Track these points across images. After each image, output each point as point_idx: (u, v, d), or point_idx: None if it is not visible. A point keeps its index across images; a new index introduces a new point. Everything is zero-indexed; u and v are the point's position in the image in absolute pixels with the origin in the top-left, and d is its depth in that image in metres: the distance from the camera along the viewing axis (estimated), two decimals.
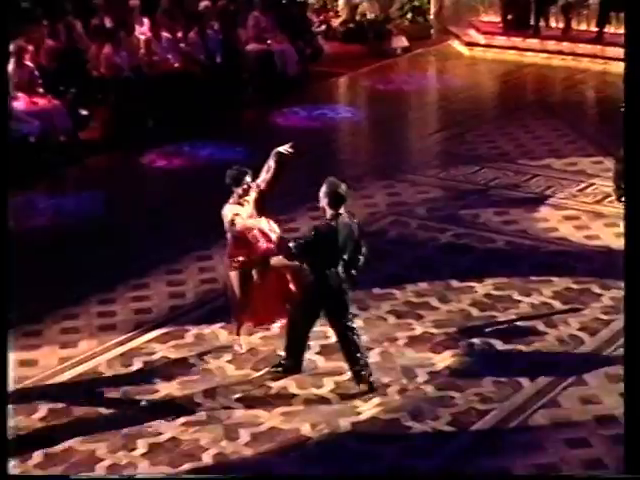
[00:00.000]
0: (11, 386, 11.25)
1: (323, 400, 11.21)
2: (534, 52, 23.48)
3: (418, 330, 12.46)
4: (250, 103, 20.46)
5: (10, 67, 17.68)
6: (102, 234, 15.20)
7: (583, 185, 16.54)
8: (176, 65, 19.90)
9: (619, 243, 13.43)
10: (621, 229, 13.74)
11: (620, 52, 22.31)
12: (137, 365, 12.00)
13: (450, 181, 16.87)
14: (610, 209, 15.53)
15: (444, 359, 11.87)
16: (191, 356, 12.09)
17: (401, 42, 23.78)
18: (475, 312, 12.86)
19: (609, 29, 23.33)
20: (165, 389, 11.51)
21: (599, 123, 19.41)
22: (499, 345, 12.12)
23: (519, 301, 13.09)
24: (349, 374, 11.36)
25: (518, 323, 12.65)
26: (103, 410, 11.19)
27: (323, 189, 11.12)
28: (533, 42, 23.66)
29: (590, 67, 22.84)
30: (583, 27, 24.01)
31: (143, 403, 11.27)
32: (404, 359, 11.86)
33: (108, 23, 20.39)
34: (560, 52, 23.23)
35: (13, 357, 11.79)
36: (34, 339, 12.51)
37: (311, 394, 11.36)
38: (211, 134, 19.06)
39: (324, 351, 11.98)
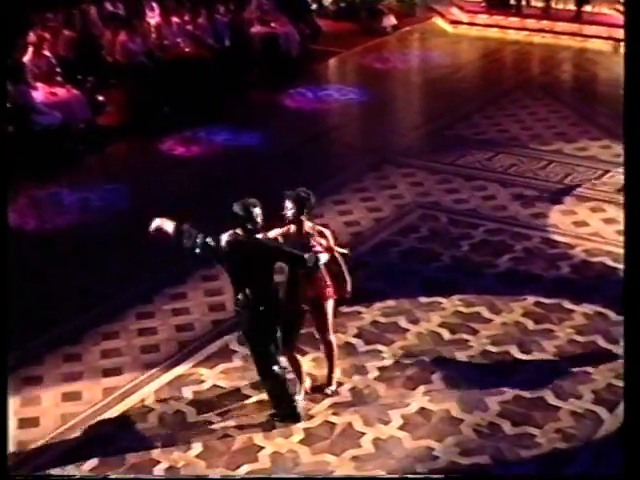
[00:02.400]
0: (56, 428, 8.66)
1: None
2: (516, 30, 20.70)
3: (475, 347, 9.90)
4: (257, 85, 17.55)
5: (28, 57, 14.74)
6: (130, 234, 12.33)
7: (599, 173, 13.89)
8: (187, 50, 16.91)
9: None
10: None
11: (598, 30, 19.84)
12: (187, 395, 9.30)
13: (468, 169, 14.13)
14: None
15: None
16: (244, 385, 9.42)
17: (391, 21, 20.93)
18: (530, 325, 10.28)
19: (587, 8, 20.64)
20: (222, 427, 8.86)
21: (596, 103, 16.66)
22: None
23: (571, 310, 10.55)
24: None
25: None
26: (159, 456, 8.53)
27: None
28: (514, 20, 20.90)
29: (571, 44, 20.11)
30: (561, 6, 21.19)
31: None
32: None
33: (120, 10, 17.42)
34: (541, 30, 20.47)
35: (55, 389, 9.18)
36: (75, 364, 9.81)
37: (380, 432, 8.77)
38: (224, 118, 16.20)
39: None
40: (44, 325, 10.41)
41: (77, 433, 8.81)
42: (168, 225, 8.66)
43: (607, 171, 13.93)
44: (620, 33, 19.55)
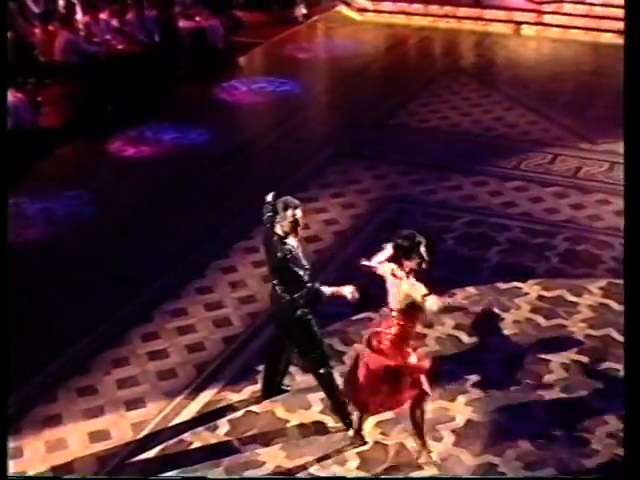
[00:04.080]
0: (95, 472, 7.31)
1: None
2: (420, 16, 19.64)
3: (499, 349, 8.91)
4: (189, 80, 16.00)
5: None
6: (100, 245, 10.90)
7: (550, 157, 13.10)
8: (120, 47, 15.26)
9: None
10: None
11: (497, 14, 19.08)
12: (223, 427, 8.01)
13: (427, 159, 13.09)
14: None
15: None
16: (279, 409, 8.21)
17: (301, 10, 19.59)
18: (542, 321, 9.38)
19: None
20: (271, 459, 7.64)
21: (520, 86, 15.80)
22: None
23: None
24: None
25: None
26: None
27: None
28: (418, 7, 19.79)
29: (474, 29, 19.20)
30: None
31: None
32: None
33: (36, 8, 15.65)
34: (445, 15, 19.50)
35: (78, 429, 7.80)
36: (92, 398, 8.37)
37: (435, 449, 7.71)
38: (166, 116, 14.69)
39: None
40: (42, 356, 8.92)
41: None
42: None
43: (557, 155, 13.15)
44: (519, 16, 18.93)
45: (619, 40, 18.04)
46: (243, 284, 10.11)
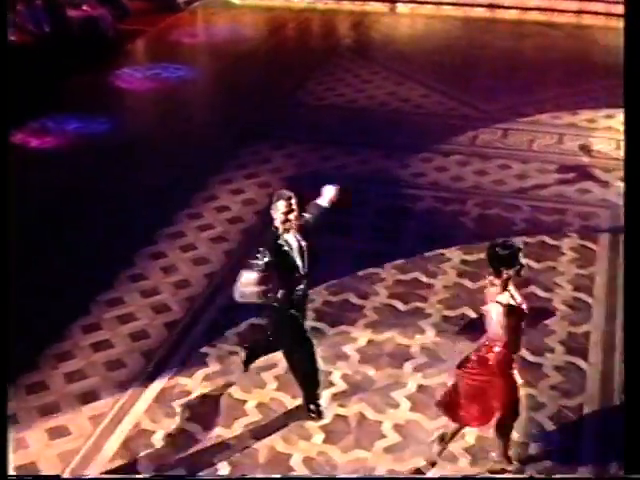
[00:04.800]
0: (62, 470, 6.87)
1: None
2: None
3: (433, 313, 8.83)
4: (82, 69, 15.22)
5: None
6: (34, 245, 10.27)
7: (447, 128, 13.10)
8: (12, 38, 14.45)
9: None
10: None
11: None
12: (183, 413, 7.67)
13: (332, 135, 12.90)
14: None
15: None
16: (234, 390, 7.91)
17: None
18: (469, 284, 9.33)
19: None
20: (236, 440, 7.35)
21: (404, 61, 15.71)
22: None
23: None
24: None
25: None
26: None
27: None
28: None
29: (352, 9, 19.04)
30: None
31: None
32: None
33: None
34: None
35: (36, 427, 7.38)
36: (44, 395, 7.87)
37: (395, 417, 7.56)
38: (64, 105, 14.00)
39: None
40: None
41: (90, 473, 7.02)
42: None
43: (453, 125, 13.16)
44: None
45: (488, 14, 18.33)
46: (175, 269, 9.72)
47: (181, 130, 13.12)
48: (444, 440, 7.10)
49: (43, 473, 7.00)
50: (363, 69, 15.43)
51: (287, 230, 7.19)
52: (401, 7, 18.79)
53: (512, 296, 6.53)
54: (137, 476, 6.91)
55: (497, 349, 6.59)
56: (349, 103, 14.05)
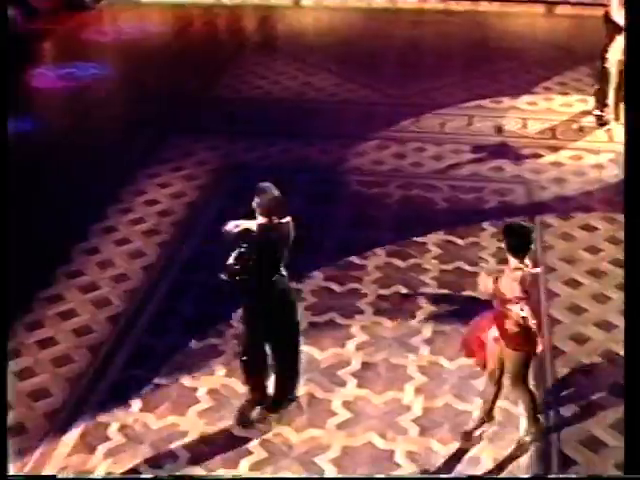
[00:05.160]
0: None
1: None
2: None
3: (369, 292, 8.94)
4: None
5: None
6: None
7: (363, 114, 13.22)
8: None
9: None
10: None
11: None
12: (136, 404, 7.62)
13: (252, 126, 12.86)
14: None
15: None
16: (186, 379, 7.87)
17: None
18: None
19: None
20: (192, 428, 7.31)
21: (315, 53, 15.74)
22: None
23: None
24: None
25: None
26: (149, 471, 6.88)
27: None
28: None
29: (257, 3, 18.84)
30: None
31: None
32: None
33: None
34: None
35: None
36: None
37: (343, 395, 7.65)
38: None
39: None
40: None
41: (49, 469, 6.91)
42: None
43: (369, 112, 13.29)
44: None
45: (390, 4, 18.49)
46: (111, 263, 9.59)
47: (101, 127, 12.90)
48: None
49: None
50: (275, 62, 15.38)
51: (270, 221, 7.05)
52: (305, 0, 18.78)
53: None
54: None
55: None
56: (266, 95, 14.03)
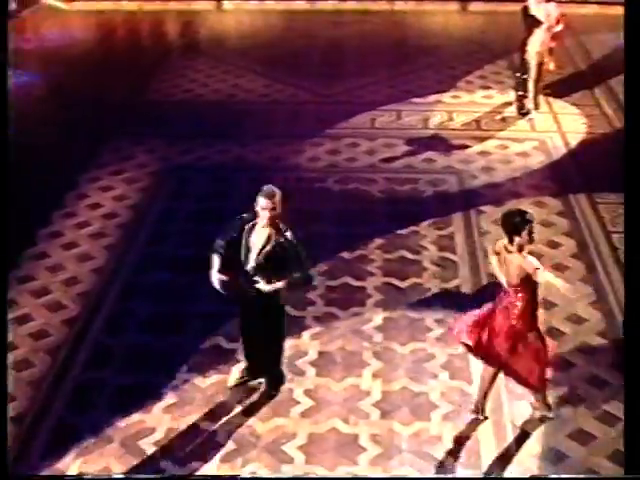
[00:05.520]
0: None
1: None
2: (126, 0, 18.85)
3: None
4: None
5: None
6: None
7: (293, 113, 13.25)
8: None
9: None
10: None
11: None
12: (102, 403, 7.49)
13: (188, 129, 12.78)
14: None
15: None
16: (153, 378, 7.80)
17: (13, 4, 18.12)
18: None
19: None
20: (158, 424, 7.24)
21: (240, 55, 15.69)
22: None
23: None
24: None
25: None
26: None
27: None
28: None
29: (180, 8, 18.72)
30: None
31: None
32: None
33: None
34: None
35: None
36: None
37: (302, 384, 7.68)
38: None
39: None
40: None
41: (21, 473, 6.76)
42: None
43: (298, 110, 13.33)
44: None
45: (308, 6, 18.55)
46: (61, 267, 9.43)
47: (36, 134, 12.64)
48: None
49: None
50: (202, 65, 15.28)
51: (266, 226, 6.94)
52: (227, 4, 18.71)
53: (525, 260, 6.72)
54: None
55: (519, 304, 6.78)
56: (196, 97, 13.94)
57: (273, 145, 12.19)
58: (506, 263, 6.84)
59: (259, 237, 6.99)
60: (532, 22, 12.23)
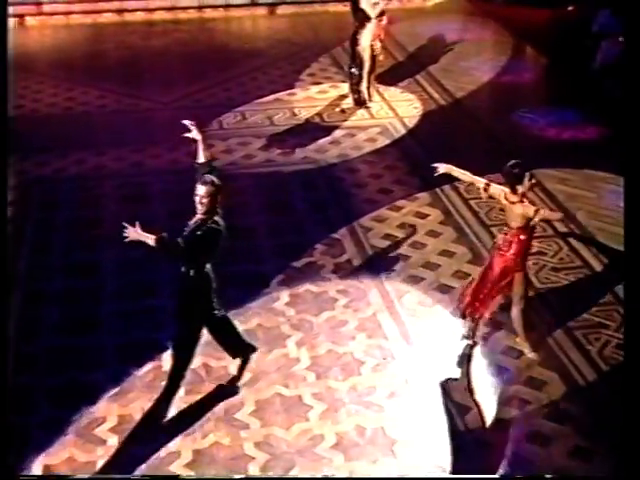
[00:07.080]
0: None
1: None
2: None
3: None
4: None
5: None
6: None
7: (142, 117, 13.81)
8: None
9: None
10: None
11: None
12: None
13: (44, 143, 12.99)
14: None
15: None
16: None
17: None
18: None
19: None
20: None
21: (64, 69, 15.92)
22: None
23: None
24: None
25: None
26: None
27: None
28: None
29: None
30: None
31: None
32: None
33: None
34: None
35: None
36: None
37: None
38: None
39: None
40: None
41: None
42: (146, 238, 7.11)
43: (150, 117, 13.88)
44: (20, 9, 18.64)
45: (118, 18, 18.96)
46: None
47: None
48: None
49: None
50: (27, 80, 15.32)
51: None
52: (29, 20, 18.70)
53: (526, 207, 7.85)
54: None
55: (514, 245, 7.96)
56: (32, 112, 14.12)
57: (131, 152, 12.66)
58: (506, 214, 8.03)
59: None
60: (363, 16, 13.45)
